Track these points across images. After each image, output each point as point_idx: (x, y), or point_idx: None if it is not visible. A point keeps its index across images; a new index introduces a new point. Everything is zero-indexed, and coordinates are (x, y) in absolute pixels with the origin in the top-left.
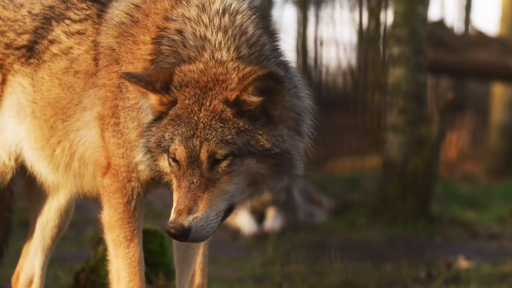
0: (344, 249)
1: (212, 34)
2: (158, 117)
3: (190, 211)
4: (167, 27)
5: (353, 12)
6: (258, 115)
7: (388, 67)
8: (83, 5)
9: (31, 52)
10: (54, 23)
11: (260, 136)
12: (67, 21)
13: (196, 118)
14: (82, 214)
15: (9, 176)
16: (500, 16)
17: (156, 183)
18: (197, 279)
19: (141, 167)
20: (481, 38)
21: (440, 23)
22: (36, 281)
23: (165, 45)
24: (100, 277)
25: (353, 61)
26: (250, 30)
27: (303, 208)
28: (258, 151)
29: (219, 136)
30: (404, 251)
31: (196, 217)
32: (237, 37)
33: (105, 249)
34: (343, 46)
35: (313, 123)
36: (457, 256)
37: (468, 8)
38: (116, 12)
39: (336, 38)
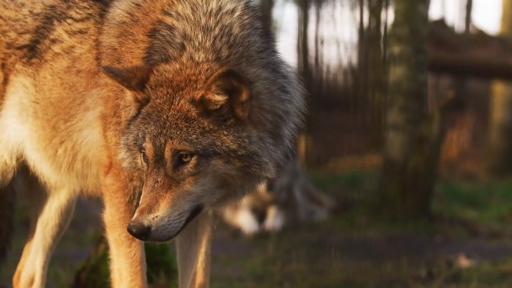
0: (345, 248)
1: (195, 34)
2: (136, 115)
3: (151, 210)
4: (163, 20)
5: (354, 11)
6: (226, 115)
7: (388, 66)
8: (85, 4)
9: (32, 51)
10: (55, 22)
11: (225, 137)
12: (69, 20)
13: (165, 117)
14: (83, 213)
15: (10, 176)
16: (500, 15)
17: None
18: (199, 277)
19: (124, 164)
20: (481, 37)
21: (441, 22)
22: (37, 280)
23: (157, 39)
24: (101, 276)
25: (354, 60)
26: (236, 30)
27: (303, 207)
28: (224, 152)
29: (183, 135)
30: (404, 250)
31: (156, 216)
32: (218, 38)
33: (106, 248)
34: (344, 45)
35: (297, 126)
36: (458, 255)
37: (468, 7)
38: (118, 12)
39: (337, 37)
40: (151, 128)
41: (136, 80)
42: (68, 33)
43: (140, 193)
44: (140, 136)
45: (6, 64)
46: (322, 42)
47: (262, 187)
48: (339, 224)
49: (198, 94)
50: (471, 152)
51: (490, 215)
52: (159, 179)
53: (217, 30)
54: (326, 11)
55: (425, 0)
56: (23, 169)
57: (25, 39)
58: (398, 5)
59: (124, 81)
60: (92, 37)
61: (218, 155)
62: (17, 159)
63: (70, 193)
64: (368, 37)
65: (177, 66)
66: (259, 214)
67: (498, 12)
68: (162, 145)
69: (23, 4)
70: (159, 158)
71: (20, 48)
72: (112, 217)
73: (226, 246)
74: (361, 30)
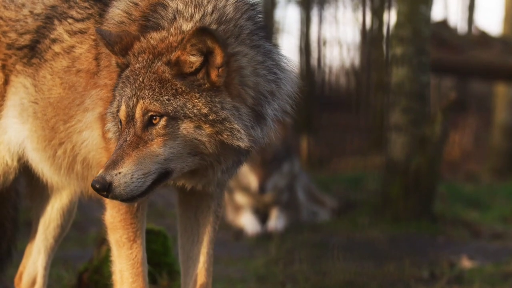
0: (347, 248)
1: (187, 9)
2: (118, 82)
3: (115, 166)
4: (158, 2)
5: (356, 12)
6: (201, 80)
7: (391, 67)
8: (86, 4)
9: (33, 52)
10: (56, 22)
11: (197, 100)
12: (69, 20)
13: (141, 79)
14: (85, 214)
15: (11, 177)
16: (503, 16)
17: None
18: (202, 278)
19: (110, 135)
20: (484, 38)
21: (443, 23)
22: (39, 281)
23: (151, 20)
24: (103, 277)
25: (356, 61)
26: (229, 11)
27: (306, 208)
28: (195, 115)
29: (155, 95)
30: (407, 251)
31: (119, 173)
32: (209, 14)
33: (108, 249)
34: (346, 46)
35: (283, 109)
36: (460, 255)
37: (471, 8)
38: (116, 12)
39: (339, 38)
40: (127, 91)
41: (119, 45)
42: (69, 33)
43: None
44: (119, 100)
45: (6, 65)
46: (324, 43)
47: (254, 188)
48: (342, 225)
49: (174, 56)
50: (473, 153)
51: (492, 216)
52: (128, 138)
53: (209, 8)
54: (328, 12)
55: (428, 1)
56: (25, 170)
57: (25, 40)
58: (400, 6)
59: (108, 45)
60: (92, 37)
61: (189, 118)
62: (19, 160)
63: (72, 194)
64: (371, 38)
65: (164, 34)
66: (262, 215)
67: (501, 13)
68: (134, 106)
69: (23, 5)
70: (130, 118)
71: (20, 48)
72: (113, 219)
73: (229, 247)
74: (363, 31)
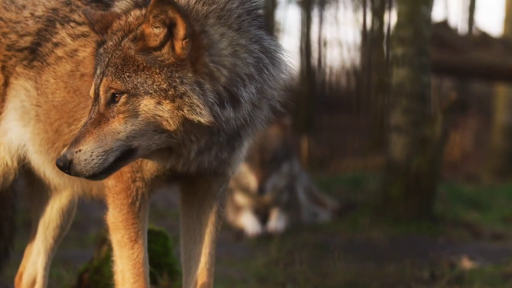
0: (348, 249)
1: None
2: None
3: (76, 144)
4: None
5: (356, 12)
6: (166, 55)
7: (391, 68)
8: (87, 7)
9: (34, 54)
10: (58, 25)
11: (157, 76)
12: (72, 24)
13: (109, 57)
14: (85, 214)
15: (11, 177)
16: (503, 17)
17: (160, 183)
18: (203, 278)
19: None
20: (484, 38)
21: (444, 24)
22: (39, 281)
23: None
24: (103, 277)
25: (357, 61)
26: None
27: (306, 209)
28: (155, 91)
29: (117, 73)
30: (407, 251)
31: (80, 150)
32: None
33: (109, 250)
34: (346, 46)
35: (261, 93)
36: (461, 256)
37: (472, 8)
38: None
39: (340, 39)
40: (98, 69)
41: (100, 24)
42: (71, 37)
43: (143, 194)
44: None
45: (6, 66)
46: (325, 44)
47: (253, 188)
48: (342, 226)
49: (139, 30)
50: (474, 153)
51: (493, 217)
52: (92, 116)
53: None
54: (329, 12)
55: (428, 2)
56: (25, 171)
57: (26, 41)
58: (401, 6)
59: (90, 23)
60: (95, 40)
61: (149, 94)
62: (19, 161)
63: (72, 194)
64: (371, 39)
65: (143, 11)
66: (262, 216)
67: (501, 14)
68: (98, 84)
69: (24, 6)
70: (96, 96)
71: (21, 50)
72: (115, 219)
73: (229, 248)
74: (364, 32)
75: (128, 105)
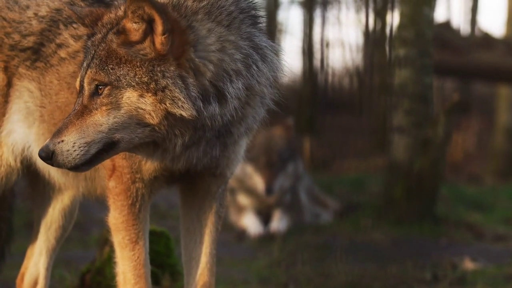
0: (350, 250)
1: None
2: None
3: (59, 135)
4: None
5: (359, 13)
6: (147, 49)
7: (394, 69)
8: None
9: (37, 55)
10: (62, 26)
11: (138, 69)
12: (74, 25)
13: (95, 50)
14: (87, 215)
15: (14, 178)
16: (506, 18)
17: (160, 183)
18: (205, 277)
19: None
20: (487, 39)
21: (446, 25)
22: (41, 282)
23: None
24: (106, 278)
25: (359, 62)
26: None
27: (309, 210)
28: (137, 84)
29: (101, 65)
30: (409, 253)
31: (62, 141)
32: None
33: (111, 251)
34: (349, 47)
35: (249, 89)
36: (463, 257)
37: (474, 9)
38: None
39: (342, 40)
40: (84, 62)
41: (90, 17)
42: (74, 38)
43: (143, 196)
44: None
45: (9, 66)
46: (327, 45)
47: (261, 189)
48: (344, 227)
49: (121, 24)
50: (476, 154)
51: (495, 218)
52: (77, 108)
53: None
54: (331, 13)
55: (431, 3)
56: (27, 172)
57: (29, 41)
58: (403, 7)
59: (79, 18)
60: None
61: (132, 87)
62: (22, 162)
63: (74, 195)
64: (374, 40)
65: None
66: (264, 217)
67: (504, 15)
68: (83, 76)
69: (27, 7)
70: (81, 88)
71: (23, 50)
72: (116, 220)
73: (231, 249)
74: (366, 33)
75: (111, 97)
